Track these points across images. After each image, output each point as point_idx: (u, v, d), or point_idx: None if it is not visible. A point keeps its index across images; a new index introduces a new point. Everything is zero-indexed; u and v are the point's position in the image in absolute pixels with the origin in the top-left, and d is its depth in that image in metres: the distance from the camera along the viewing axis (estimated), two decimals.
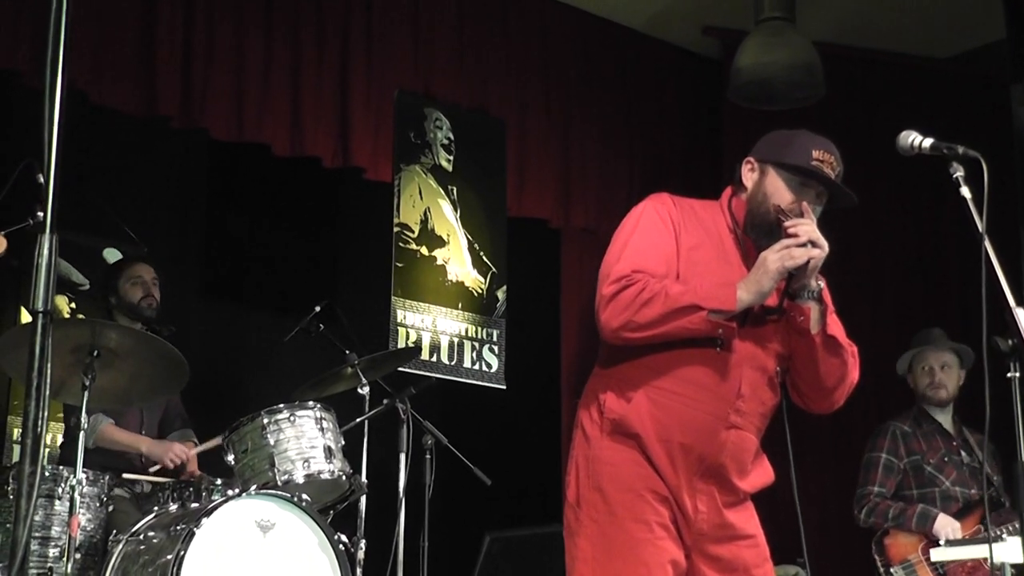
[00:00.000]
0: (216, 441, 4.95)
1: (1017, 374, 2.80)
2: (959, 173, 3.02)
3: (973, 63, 7.24)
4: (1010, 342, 2.81)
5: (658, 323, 3.09)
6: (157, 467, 5.05)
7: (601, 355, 3.31)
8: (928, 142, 3.14)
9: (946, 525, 5.22)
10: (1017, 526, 4.90)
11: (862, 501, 5.46)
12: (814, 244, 3.11)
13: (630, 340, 3.15)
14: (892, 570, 5.30)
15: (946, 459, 5.50)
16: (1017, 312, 2.82)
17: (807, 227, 3.13)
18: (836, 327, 3.29)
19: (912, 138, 3.17)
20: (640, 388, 3.17)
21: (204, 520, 4.19)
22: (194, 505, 4.47)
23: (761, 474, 3.30)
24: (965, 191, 2.99)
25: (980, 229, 2.90)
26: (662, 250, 3.22)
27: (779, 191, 3.25)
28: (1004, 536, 4.95)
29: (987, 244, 2.87)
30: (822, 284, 3.21)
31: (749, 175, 3.32)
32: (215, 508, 4.26)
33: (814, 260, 3.12)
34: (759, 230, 3.24)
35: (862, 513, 5.44)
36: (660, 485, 3.14)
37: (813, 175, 3.24)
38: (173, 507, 4.52)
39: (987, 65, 7.04)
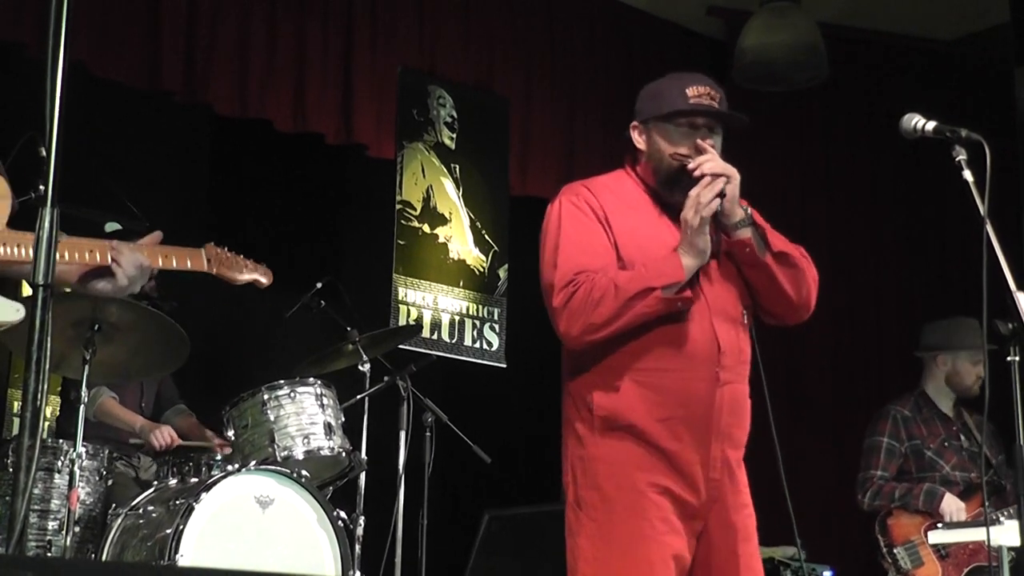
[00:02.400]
0: (204, 444, 4.98)
1: (1017, 358, 2.80)
2: (961, 156, 3.03)
3: (977, 46, 7.22)
4: (1010, 326, 2.80)
5: (616, 317, 3.06)
6: (139, 442, 5.05)
7: (571, 358, 3.25)
8: (931, 125, 3.14)
9: (951, 504, 5.22)
10: (1015, 509, 4.91)
11: (865, 485, 5.46)
12: (721, 176, 3.09)
13: (595, 341, 3.12)
14: (895, 551, 5.29)
15: (946, 444, 5.49)
16: (1018, 296, 2.81)
17: (708, 163, 3.10)
18: (779, 240, 3.25)
19: (915, 121, 3.17)
20: (624, 375, 3.14)
21: (203, 495, 4.19)
22: (193, 480, 4.48)
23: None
24: (967, 174, 2.99)
25: (982, 212, 2.90)
26: (595, 244, 3.18)
27: (671, 143, 3.21)
28: (1001, 519, 4.95)
29: (989, 228, 2.87)
30: (748, 209, 3.18)
31: (640, 140, 3.29)
32: (214, 483, 4.26)
33: (729, 190, 3.10)
34: (671, 185, 3.20)
35: (866, 497, 5.43)
36: (659, 476, 3.10)
37: (694, 112, 3.20)
38: (172, 482, 4.52)
39: (991, 48, 7.02)
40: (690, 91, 3.25)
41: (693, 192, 3.09)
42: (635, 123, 3.30)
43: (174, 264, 3.00)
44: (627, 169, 3.34)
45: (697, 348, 3.14)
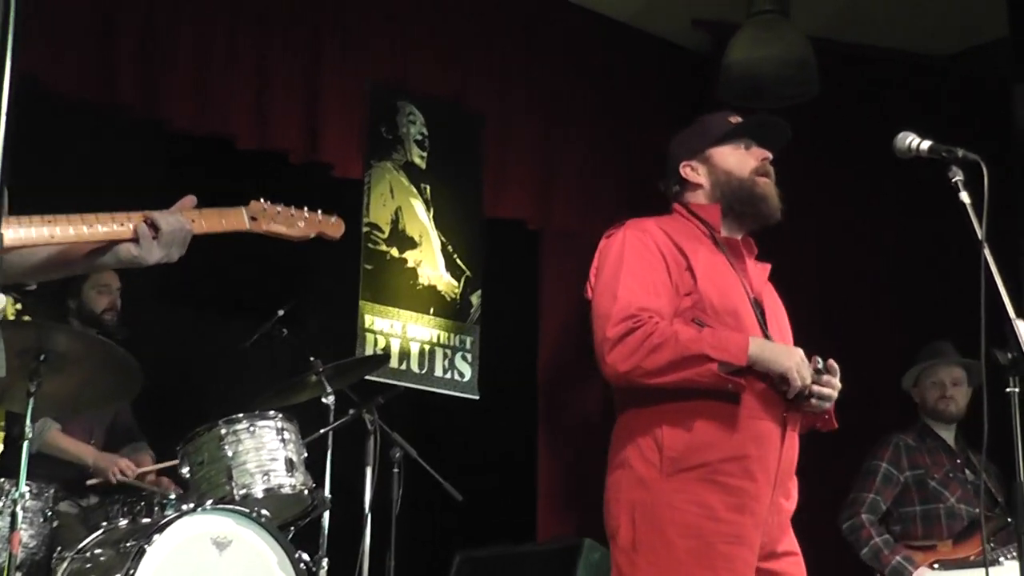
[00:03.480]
0: (168, 464, 4.94)
1: (1016, 389, 2.80)
2: (958, 177, 3.05)
3: (974, 61, 7.27)
4: (1009, 355, 2.81)
5: (667, 371, 3.15)
6: (97, 480, 5.01)
7: (630, 394, 3.31)
8: (926, 144, 3.16)
9: None
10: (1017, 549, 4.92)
11: (852, 508, 5.49)
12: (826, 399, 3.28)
13: (635, 385, 3.21)
14: None
15: (951, 475, 5.52)
16: (1017, 324, 2.82)
17: (831, 391, 3.29)
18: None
19: (910, 140, 3.19)
20: (697, 413, 3.20)
21: (156, 536, 4.15)
22: (145, 520, 4.44)
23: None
24: (964, 196, 3.01)
25: (979, 236, 2.91)
26: (658, 284, 3.28)
27: (737, 161, 3.46)
28: (1002, 560, 4.97)
29: (987, 252, 2.88)
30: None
31: (696, 175, 3.50)
32: (168, 524, 4.22)
33: (815, 406, 3.29)
34: (748, 203, 3.44)
35: (845, 524, 5.47)
36: (729, 524, 3.14)
37: (753, 123, 3.49)
38: (123, 522, 4.49)
39: (989, 64, 7.06)
40: (731, 119, 3.54)
41: (812, 388, 3.26)
42: (687, 163, 3.50)
43: (210, 227, 2.81)
44: (678, 209, 3.51)
45: (768, 391, 3.24)
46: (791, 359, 3.22)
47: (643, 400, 3.26)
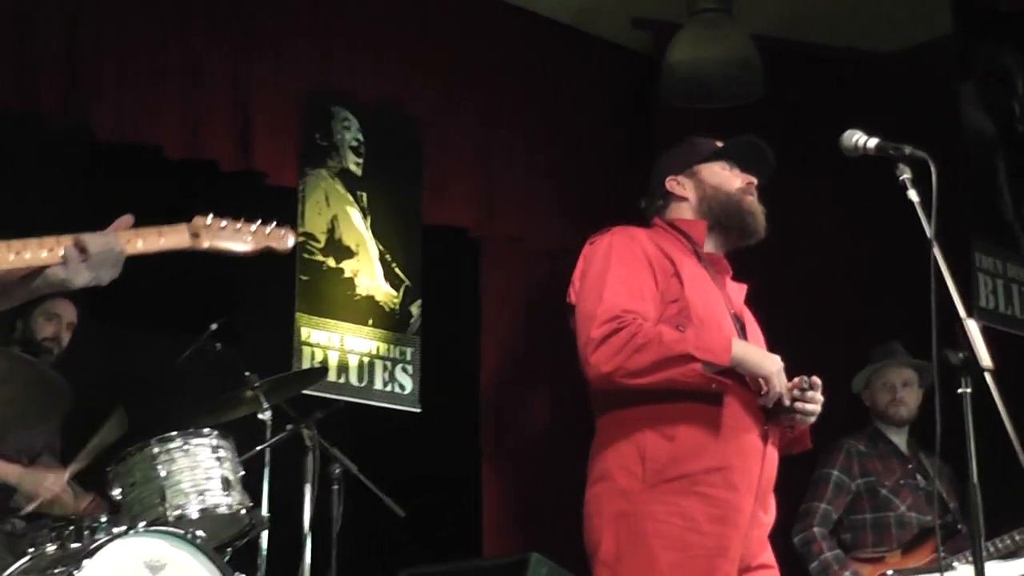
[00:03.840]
0: (82, 462, 4.88)
1: (968, 389, 2.82)
2: (906, 175, 3.07)
3: (919, 59, 7.33)
4: (961, 355, 2.83)
5: (650, 371, 3.21)
6: (35, 503, 4.96)
7: (610, 406, 3.37)
8: (873, 142, 3.19)
9: None
10: (970, 553, 4.96)
11: (804, 520, 5.51)
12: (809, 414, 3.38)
13: (619, 387, 3.26)
14: None
15: (902, 482, 5.56)
16: (968, 323, 2.84)
17: (814, 407, 3.38)
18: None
19: (856, 138, 3.22)
20: (679, 424, 3.25)
21: (86, 562, 4.09)
22: (75, 545, 4.36)
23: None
24: (912, 194, 3.03)
25: (929, 235, 2.94)
26: (643, 288, 3.36)
27: (725, 178, 3.59)
28: (955, 565, 5.01)
29: (936, 251, 2.90)
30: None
31: (682, 188, 3.61)
32: (98, 548, 4.16)
33: (798, 421, 3.39)
34: (736, 217, 3.56)
35: (797, 537, 5.50)
36: (712, 537, 3.20)
37: (740, 145, 3.62)
38: (50, 548, 4.41)
39: (934, 61, 7.13)
40: (719, 143, 3.68)
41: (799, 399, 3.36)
42: (673, 177, 3.61)
43: (147, 247, 2.75)
44: (660, 224, 3.61)
45: (751, 403, 3.31)
46: (773, 364, 3.31)
47: (624, 409, 3.32)
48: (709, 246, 3.58)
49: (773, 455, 3.36)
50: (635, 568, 3.21)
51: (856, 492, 5.56)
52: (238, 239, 2.97)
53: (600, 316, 3.27)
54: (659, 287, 3.38)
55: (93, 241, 2.69)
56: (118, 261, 2.73)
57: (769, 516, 3.38)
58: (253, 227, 3.00)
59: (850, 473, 5.58)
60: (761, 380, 3.30)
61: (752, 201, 3.59)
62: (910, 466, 5.62)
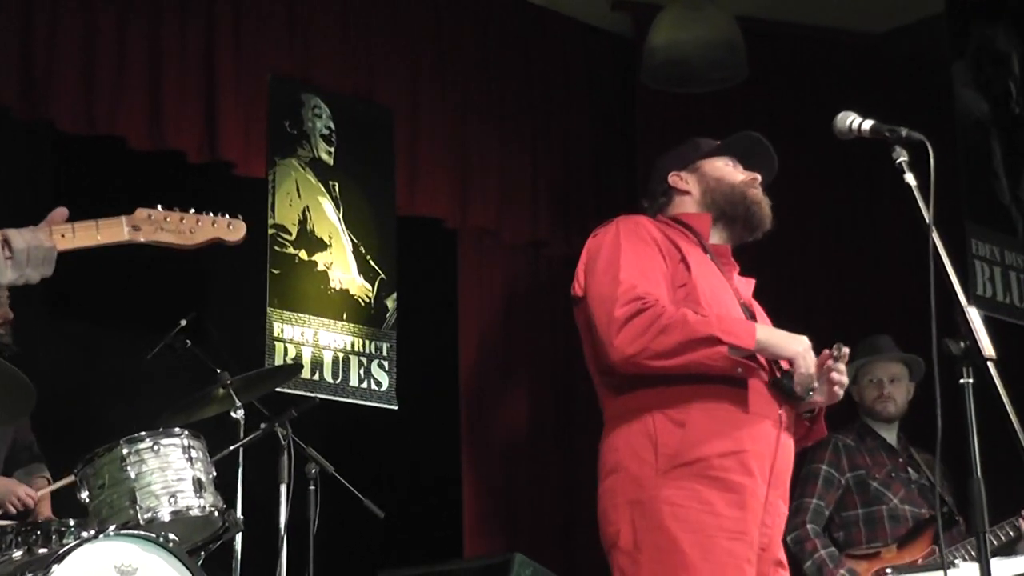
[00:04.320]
0: (69, 479, 4.85)
1: (971, 380, 2.83)
2: (902, 158, 3.07)
3: (910, 39, 7.36)
4: (962, 345, 2.84)
5: (675, 353, 3.24)
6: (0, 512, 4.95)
7: (618, 395, 3.42)
8: (868, 124, 3.20)
9: None
10: (972, 549, 4.98)
11: (796, 517, 5.53)
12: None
13: (642, 369, 3.29)
14: None
15: (893, 475, 5.58)
16: (969, 312, 2.85)
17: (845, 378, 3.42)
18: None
19: (851, 120, 3.23)
20: (693, 405, 3.30)
21: (54, 567, 4.07)
22: (42, 550, 4.35)
23: None
24: (909, 178, 3.04)
25: (927, 220, 2.95)
26: (655, 273, 3.41)
27: (727, 171, 3.68)
28: (957, 561, 5.04)
29: (935, 236, 2.91)
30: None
31: (685, 183, 3.69)
32: (67, 553, 4.14)
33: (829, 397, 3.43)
34: (740, 206, 3.64)
35: (790, 536, 5.50)
36: (728, 519, 3.24)
37: (740, 140, 3.71)
38: (17, 553, 4.40)
39: (925, 41, 7.16)
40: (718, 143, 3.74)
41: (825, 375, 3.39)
42: (675, 173, 3.69)
43: (82, 242, 2.73)
44: (663, 220, 3.65)
45: (765, 388, 3.35)
46: (800, 344, 3.35)
47: (633, 397, 3.36)
48: (715, 238, 3.64)
49: (788, 442, 3.40)
50: (656, 553, 3.25)
51: (846, 487, 5.58)
52: (182, 232, 2.95)
53: (621, 296, 3.31)
54: (668, 271, 3.44)
55: (17, 237, 2.65)
56: (48, 258, 2.70)
57: (787, 507, 3.43)
58: (200, 219, 2.97)
59: (839, 468, 5.60)
60: (786, 362, 3.35)
61: (756, 193, 3.68)
62: (900, 460, 5.65)
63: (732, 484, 3.25)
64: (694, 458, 3.25)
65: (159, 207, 2.89)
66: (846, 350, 3.39)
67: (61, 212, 2.76)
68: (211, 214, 3.00)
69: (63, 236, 2.70)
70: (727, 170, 3.69)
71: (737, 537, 3.24)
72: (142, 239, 2.87)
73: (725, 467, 3.25)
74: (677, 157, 3.76)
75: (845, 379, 3.40)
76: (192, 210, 2.98)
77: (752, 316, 3.53)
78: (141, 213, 2.87)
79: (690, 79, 6.67)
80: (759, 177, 3.71)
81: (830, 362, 3.36)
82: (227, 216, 3.03)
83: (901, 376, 5.73)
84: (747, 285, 3.69)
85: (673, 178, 3.70)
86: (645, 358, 3.25)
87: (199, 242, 2.97)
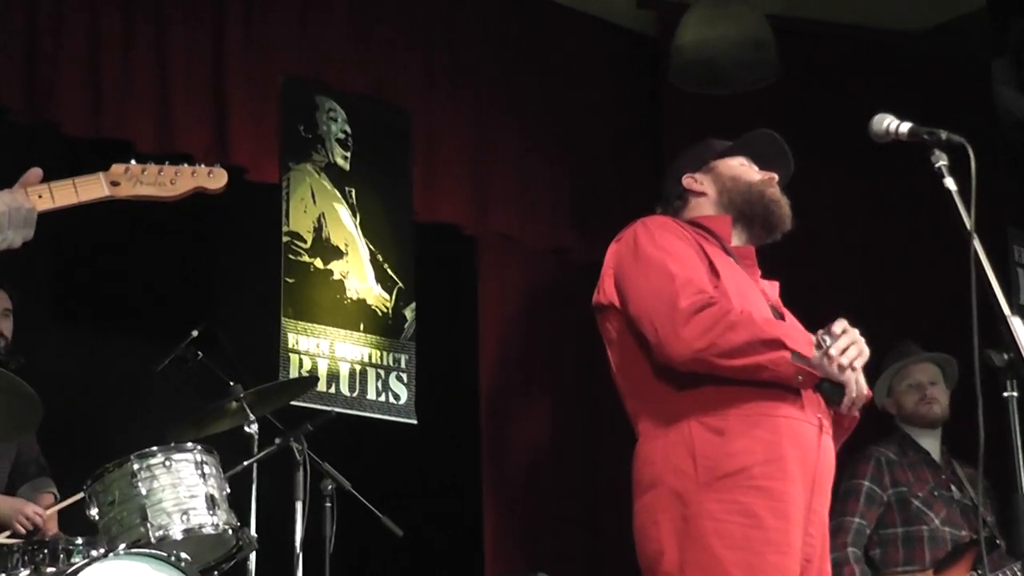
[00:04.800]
0: (78, 497, 4.88)
1: (1015, 393, 2.83)
2: (942, 162, 3.07)
3: (948, 37, 7.34)
4: (1006, 356, 2.84)
5: (741, 352, 3.24)
6: (7, 532, 4.97)
7: (648, 407, 3.42)
8: (906, 127, 3.20)
9: None
10: (1018, 571, 4.97)
11: (837, 537, 5.49)
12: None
13: (706, 367, 3.28)
14: None
15: (935, 493, 5.54)
16: (1013, 322, 2.85)
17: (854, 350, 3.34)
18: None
19: (888, 122, 3.23)
20: (730, 411, 3.30)
21: None
22: (50, 570, 4.39)
23: None
24: (950, 183, 3.04)
25: (968, 226, 2.95)
26: (704, 271, 3.42)
27: (743, 170, 3.69)
28: None
29: (976, 243, 2.92)
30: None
31: (700, 185, 3.70)
32: (75, 572, 4.18)
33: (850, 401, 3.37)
34: (759, 205, 3.64)
35: (831, 556, 5.47)
36: (774, 533, 3.23)
37: (755, 139, 3.74)
38: (24, 573, 4.42)
39: (965, 39, 7.14)
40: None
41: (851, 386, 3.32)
42: (689, 175, 3.70)
43: (62, 201, 2.76)
44: (679, 222, 3.63)
45: (805, 393, 3.35)
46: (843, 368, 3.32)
47: (668, 407, 3.36)
48: (736, 240, 3.65)
49: (829, 445, 3.40)
50: (699, 571, 3.24)
51: (887, 503, 5.55)
52: (162, 184, 2.98)
53: (682, 289, 3.30)
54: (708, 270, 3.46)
55: None
56: (29, 219, 2.71)
57: (826, 512, 3.42)
58: (179, 170, 3.01)
59: (881, 484, 5.55)
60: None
61: (775, 192, 3.68)
62: (943, 476, 5.61)
63: (775, 492, 3.24)
64: (735, 468, 3.25)
65: (133, 161, 2.90)
66: (835, 329, 3.32)
67: (35, 172, 2.76)
68: (189, 164, 3.01)
69: (40, 197, 2.71)
70: (743, 169, 3.70)
71: (784, 551, 3.23)
72: (123, 194, 2.89)
73: (767, 474, 3.24)
74: (690, 158, 3.78)
75: (846, 358, 3.31)
76: (167, 162, 3.00)
77: (781, 316, 3.54)
78: (118, 168, 2.89)
79: (718, 80, 6.67)
80: (776, 176, 3.71)
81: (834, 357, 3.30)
82: (205, 165, 3.04)
83: (938, 378, 5.71)
84: (772, 288, 3.69)
85: (687, 180, 3.71)
86: (711, 355, 3.24)
87: (181, 192, 3.02)
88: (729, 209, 3.64)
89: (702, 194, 3.69)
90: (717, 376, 3.30)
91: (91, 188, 2.83)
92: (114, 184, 2.84)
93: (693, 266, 3.40)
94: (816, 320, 3.69)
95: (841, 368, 3.28)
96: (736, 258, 3.58)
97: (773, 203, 3.65)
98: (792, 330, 3.50)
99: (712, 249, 3.54)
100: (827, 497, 3.43)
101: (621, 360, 3.53)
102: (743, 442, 3.27)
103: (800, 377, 3.27)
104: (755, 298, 3.48)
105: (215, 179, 3.06)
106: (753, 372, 3.26)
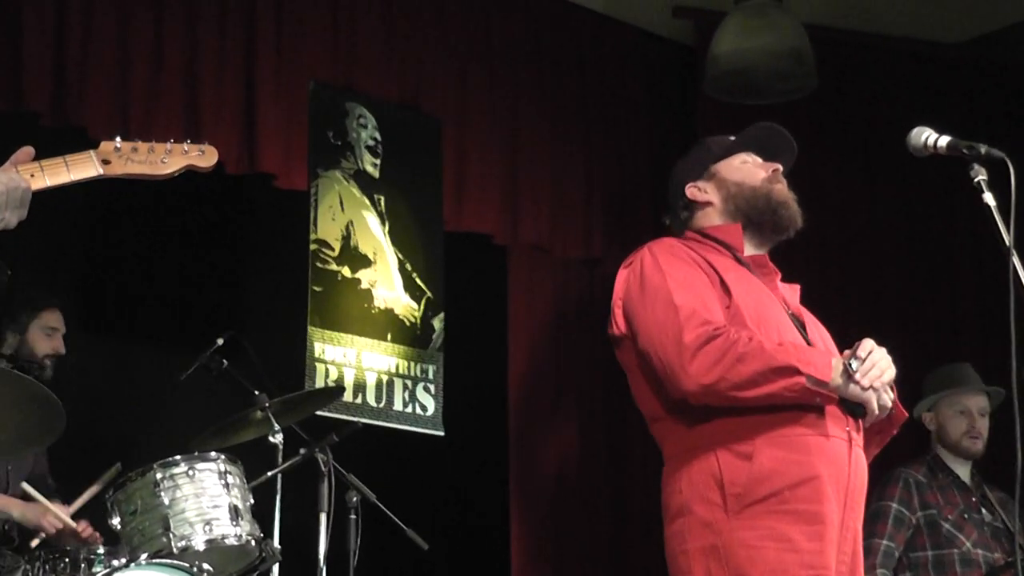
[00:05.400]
0: (95, 489, 4.90)
1: None
2: (981, 176, 3.06)
3: (988, 48, 7.32)
4: None
5: (753, 383, 3.21)
6: (40, 537, 4.99)
7: (675, 432, 3.39)
8: (945, 140, 3.19)
9: None
10: None
11: (866, 560, 5.45)
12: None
13: (718, 400, 3.26)
14: None
15: (966, 516, 5.51)
16: None
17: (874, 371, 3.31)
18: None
19: (926, 136, 3.22)
20: (758, 434, 3.27)
21: None
22: None
23: None
24: (989, 197, 3.03)
25: (1007, 242, 2.94)
26: (710, 298, 3.37)
27: (747, 172, 3.63)
28: None
29: (1016, 260, 2.91)
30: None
31: (703, 194, 3.65)
32: None
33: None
34: (767, 210, 3.58)
35: None
36: (809, 556, 3.21)
37: (755, 133, 3.68)
38: None
39: (1005, 50, 7.12)
40: (732, 138, 3.70)
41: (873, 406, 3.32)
42: (692, 184, 3.65)
43: (55, 181, 2.74)
44: (693, 236, 3.63)
45: (833, 407, 3.31)
46: (863, 392, 3.31)
47: (694, 433, 3.33)
48: (749, 249, 3.61)
49: (860, 458, 3.37)
50: None
51: (916, 526, 5.52)
52: (154, 162, 2.99)
53: (686, 322, 3.28)
54: (716, 292, 3.41)
55: None
56: (24, 199, 2.71)
57: (860, 527, 3.40)
58: (169, 147, 3.03)
59: (910, 506, 5.53)
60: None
61: (781, 190, 3.62)
62: (974, 499, 5.58)
63: (809, 515, 3.22)
64: (766, 493, 3.22)
65: (118, 138, 2.92)
66: (860, 350, 3.30)
67: (27, 151, 2.76)
68: (179, 142, 3.05)
69: (32, 176, 2.71)
70: (745, 170, 3.64)
71: (820, 573, 3.21)
72: (117, 172, 2.91)
73: (799, 497, 3.22)
74: (690, 165, 3.73)
75: (873, 377, 3.30)
76: (153, 140, 3.01)
77: (802, 325, 3.51)
78: (107, 145, 2.91)
79: (755, 90, 6.65)
80: (780, 168, 3.65)
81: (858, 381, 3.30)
82: (196, 143, 3.08)
83: (987, 410, 5.67)
84: (792, 292, 3.67)
85: (691, 191, 3.67)
86: (722, 389, 3.22)
87: (172, 171, 3.03)
88: (737, 216, 3.60)
89: (708, 204, 3.65)
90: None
91: (82, 166, 2.85)
92: (105, 162, 2.86)
93: (699, 293, 3.36)
94: (849, 329, 3.67)
95: (863, 389, 3.27)
96: (751, 267, 3.55)
97: (780, 205, 3.60)
98: (813, 333, 3.49)
99: (724, 262, 3.51)
100: (860, 511, 3.40)
101: (641, 389, 3.51)
102: (772, 466, 3.24)
103: (818, 399, 3.26)
104: (772, 310, 3.45)
105: (206, 157, 3.07)
106: (769, 400, 3.23)
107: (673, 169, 3.79)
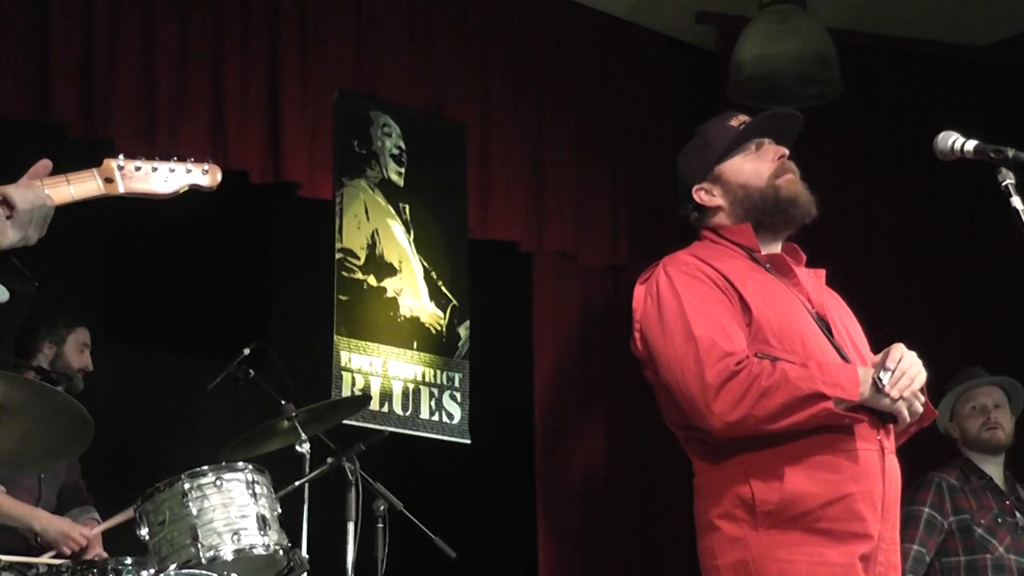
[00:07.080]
0: (127, 515, 4.90)
1: None
2: (1008, 181, 3.05)
3: (1016, 52, 7.29)
4: None
5: (780, 415, 3.18)
6: (52, 552, 5.00)
7: (704, 447, 3.36)
8: (972, 144, 3.17)
9: None
10: None
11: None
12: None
13: (748, 432, 3.23)
14: None
15: (999, 520, 5.49)
16: None
17: (903, 381, 3.29)
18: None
19: (952, 140, 3.20)
20: (788, 453, 3.23)
21: None
22: None
23: None
24: (1016, 202, 3.01)
25: None
26: (729, 320, 3.32)
27: (752, 171, 3.55)
28: None
29: None
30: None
31: (711, 197, 3.59)
32: None
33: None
34: (777, 212, 3.52)
35: None
36: (844, 570, 3.18)
37: (756, 124, 3.57)
38: None
39: None
40: (733, 121, 3.61)
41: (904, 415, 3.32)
42: (697, 187, 3.58)
43: (58, 199, 2.69)
44: (708, 236, 3.58)
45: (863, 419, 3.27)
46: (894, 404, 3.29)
47: (723, 452, 3.30)
48: (765, 247, 3.56)
49: (893, 465, 3.34)
50: None
51: (948, 531, 5.50)
52: (157, 181, 2.95)
53: (707, 358, 3.23)
54: (734, 309, 3.36)
55: (19, 194, 2.63)
56: (48, 217, 2.69)
57: (897, 536, 3.36)
58: (172, 166, 2.98)
59: (942, 511, 5.51)
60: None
61: (789, 183, 3.55)
62: (1007, 502, 5.56)
63: (843, 535, 3.19)
64: (797, 513, 3.20)
65: (121, 157, 2.92)
66: (889, 359, 3.30)
67: (45, 164, 2.75)
68: (182, 160, 3.01)
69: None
70: (749, 170, 3.54)
71: None
72: (120, 191, 2.88)
73: (831, 517, 3.19)
74: (694, 163, 3.65)
75: (903, 386, 3.30)
76: (157, 157, 3.01)
77: (827, 326, 3.45)
78: (110, 164, 2.88)
79: (779, 95, 6.62)
80: (786, 153, 3.57)
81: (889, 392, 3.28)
82: (199, 162, 3.04)
83: (1003, 402, 5.67)
84: (817, 279, 3.62)
85: (699, 194, 3.60)
86: (750, 424, 3.19)
87: (174, 190, 2.98)
88: (746, 218, 3.54)
89: (717, 208, 3.58)
90: None
91: (85, 186, 2.82)
92: (108, 181, 2.85)
93: (717, 319, 3.30)
94: (878, 344, 3.65)
95: (893, 400, 3.26)
96: (767, 267, 3.50)
97: (789, 204, 3.53)
98: (839, 333, 3.45)
99: (741, 268, 3.45)
100: (896, 520, 3.36)
101: (668, 407, 3.48)
102: (803, 484, 3.21)
103: (847, 421, 3.22)
104: (795, 320, 3.38)
105: (209, 176, 3.05)
106: (797, 427, 3.20)
107: (676, 163, 3.73)
